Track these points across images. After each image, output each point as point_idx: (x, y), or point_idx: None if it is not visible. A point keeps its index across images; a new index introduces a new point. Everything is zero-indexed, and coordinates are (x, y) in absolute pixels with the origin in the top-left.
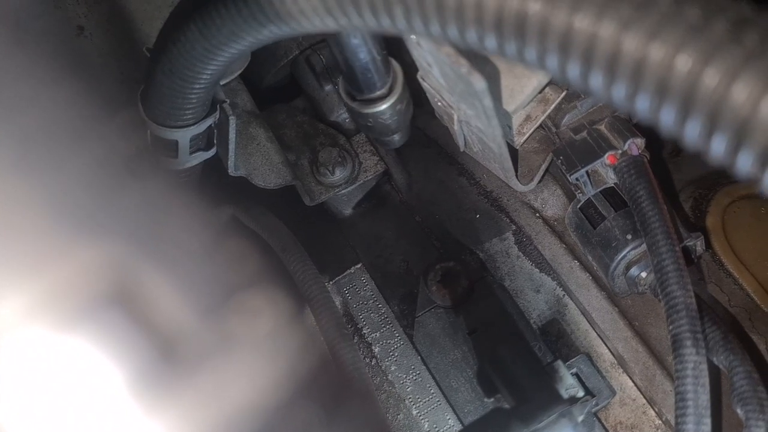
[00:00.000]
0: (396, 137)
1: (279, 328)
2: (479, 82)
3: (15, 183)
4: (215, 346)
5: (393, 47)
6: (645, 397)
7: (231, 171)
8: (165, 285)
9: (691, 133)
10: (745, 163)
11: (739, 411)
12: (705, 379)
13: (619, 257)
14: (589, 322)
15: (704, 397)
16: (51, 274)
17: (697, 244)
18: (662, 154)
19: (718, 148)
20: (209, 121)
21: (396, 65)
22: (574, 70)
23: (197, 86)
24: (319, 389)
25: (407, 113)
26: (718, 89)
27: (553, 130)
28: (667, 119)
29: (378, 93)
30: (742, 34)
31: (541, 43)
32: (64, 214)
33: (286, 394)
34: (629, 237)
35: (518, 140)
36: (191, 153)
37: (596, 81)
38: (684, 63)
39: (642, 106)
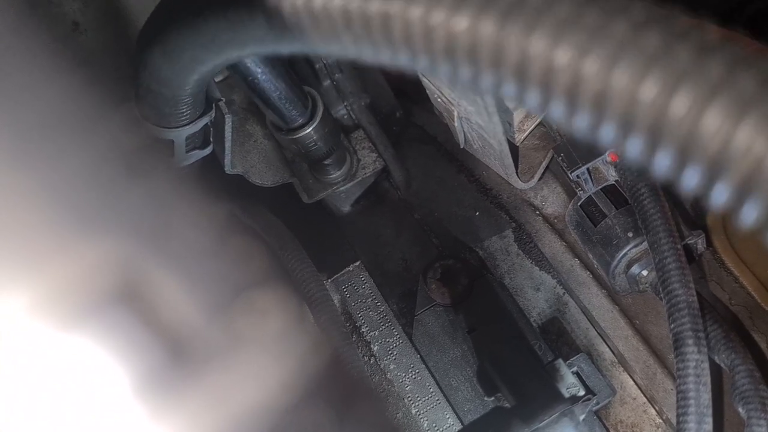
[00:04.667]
0: (329, 161)
1: (288, 327)
2: None
3: (17, 177)
4: (223, 346)
5: None
6: (645, 396)
7: (227, 169)
8: (171, 283)
9: (661, 165)
10: (720, 197)
11: (740, 410)
12: (707, 378)
13: (620, 255)
14: (589, 320)
15: (706, 396)
16: (54, 271)
17: (699, 242)
18: None
19: (690, 181)
20: (204, 120)
21: (315, 95)
22: (532, 99)
23: (181, 97)
24: (329, 390)
25: (335, 136)
26: (686, 119)
27: (554, 126)
28: (633, 151)
29: (300, 121)
30: (707, 61)
31: (496, 71)
32: (67, 210)
33: (296, 395)
34: (630, 235)
35: (519, 137)
36: (187, 152)
37: (557, 110)
38: (648, 91)
39: (607, 137)
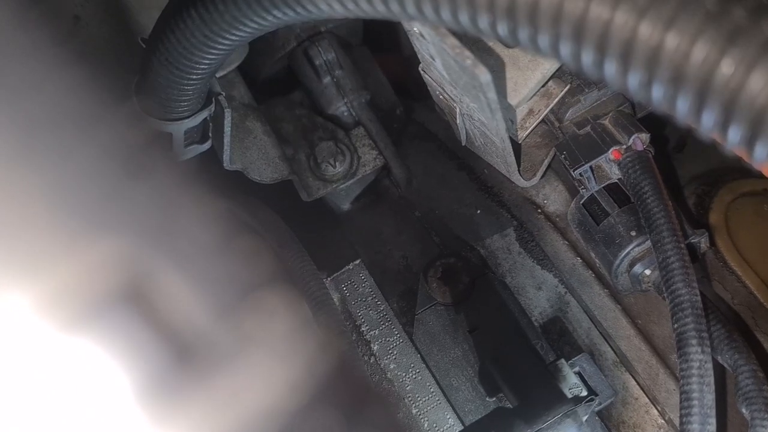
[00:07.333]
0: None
1: (297, 328)
2: (484, 75)
3: (19, 174)
4: (230, 348)
5: (392, 41)
6: (648, 396)
7: (226, 165)
8: (178, 283)
9: (707, 122)
10: (761, 153)
11: (744, 410)
12: (710, 378)
13: (623, 254)
14: (591, 320)
15: (709, 397)
16: (58, 270)
17: (702, 241)
18: (665, 149)
19: (734, 137)
20: (204, 114)
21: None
22: (587, 58)
23: (194, 77)
24: (338, 392)
25: None
26: (734, 78)
27: (556, 124)
28: (682, 108)
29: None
30: (760, 22)
31: (555, 30)
32: (70, 208)
33: (305, 398)
34: (633, 233)
35: (521, 135)
36: (186, 146)
37: (610, 69)
38: (700, 51)
39: (657, 95)
